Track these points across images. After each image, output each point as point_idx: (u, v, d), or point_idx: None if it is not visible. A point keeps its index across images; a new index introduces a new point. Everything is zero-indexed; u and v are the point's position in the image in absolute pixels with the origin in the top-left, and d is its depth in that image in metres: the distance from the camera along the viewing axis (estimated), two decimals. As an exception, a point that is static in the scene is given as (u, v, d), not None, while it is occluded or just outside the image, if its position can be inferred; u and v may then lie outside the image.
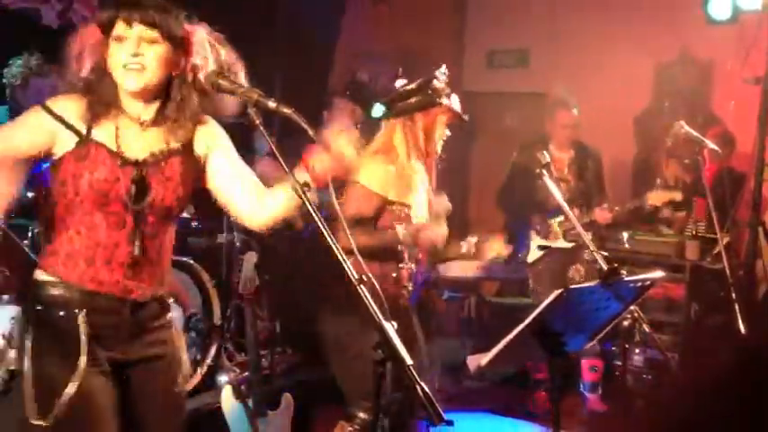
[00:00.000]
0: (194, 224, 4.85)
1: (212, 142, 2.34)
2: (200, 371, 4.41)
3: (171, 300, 2.40)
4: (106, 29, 2.14)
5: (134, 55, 2.12)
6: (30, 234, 3.57)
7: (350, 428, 3.23)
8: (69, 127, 2.15)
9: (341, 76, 7.06)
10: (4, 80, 4.14)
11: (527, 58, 7.37)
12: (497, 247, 3.49)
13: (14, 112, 3.79)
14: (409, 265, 3.29)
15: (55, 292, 2.17)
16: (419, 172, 3.32)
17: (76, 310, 2.14)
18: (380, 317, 1.83)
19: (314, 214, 1.96)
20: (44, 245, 2.28)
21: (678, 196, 4.83)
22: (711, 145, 4.05)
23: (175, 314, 4.24)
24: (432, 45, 6.80)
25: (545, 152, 3.06)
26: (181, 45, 2.18)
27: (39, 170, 2.37)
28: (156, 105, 2.23)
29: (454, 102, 3.35)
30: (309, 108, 4.75)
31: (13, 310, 3.10)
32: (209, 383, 4.48)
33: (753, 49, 4.91)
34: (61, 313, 2.15)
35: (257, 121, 2.04)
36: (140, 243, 2.20)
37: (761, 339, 0.93)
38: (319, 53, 6.75)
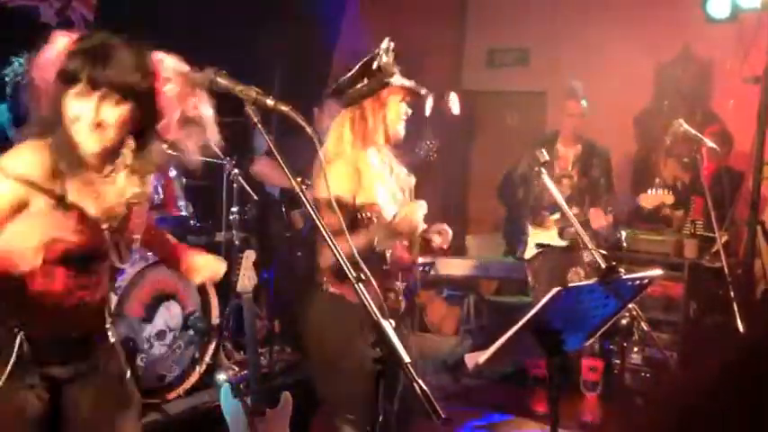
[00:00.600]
0: (193, 223, 4.84)
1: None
2: (199, 369, 4.42)
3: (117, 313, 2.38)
4: (68, 78, 1.99)
5: (94, 121, 2.00)
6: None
7: None
8: (42, 190, 2.03)
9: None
10: (6, 78, 4.13)
11: (527, 57, 7.37)
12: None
13: (15, 110, 3.79)
14: (393, 263, 3.03)
15: None
16: (373, 157, 3.02)
17: (16, 330, 2.11)
18: (378, 314, 1.83)
19: (313, 214, 1.95)
20: None
21: (669, 199, 4.81)
22: (710, 143, 4.05)
23: (174, 312, 4.29)
24: (432, 45, 6.79)
25: (543, 151, 2.98)
26: (147, 99, 2.07)
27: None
28: (117, 156, 2.13)
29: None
30: (309, 107, 4.77)
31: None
32: (207, 382, 4.48)
33: (752, 48, 4.92)
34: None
35: (255, 119, 2.02)
36: (93, 290, 2.19)
37: (760, 337, 0.93)
38: (319, 53, 6.75)
